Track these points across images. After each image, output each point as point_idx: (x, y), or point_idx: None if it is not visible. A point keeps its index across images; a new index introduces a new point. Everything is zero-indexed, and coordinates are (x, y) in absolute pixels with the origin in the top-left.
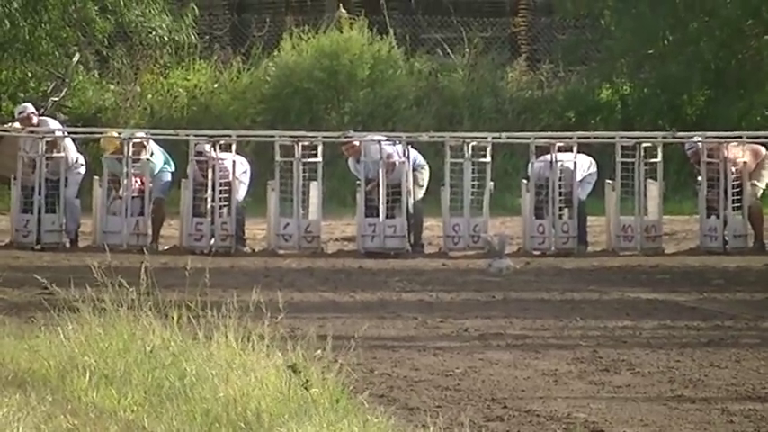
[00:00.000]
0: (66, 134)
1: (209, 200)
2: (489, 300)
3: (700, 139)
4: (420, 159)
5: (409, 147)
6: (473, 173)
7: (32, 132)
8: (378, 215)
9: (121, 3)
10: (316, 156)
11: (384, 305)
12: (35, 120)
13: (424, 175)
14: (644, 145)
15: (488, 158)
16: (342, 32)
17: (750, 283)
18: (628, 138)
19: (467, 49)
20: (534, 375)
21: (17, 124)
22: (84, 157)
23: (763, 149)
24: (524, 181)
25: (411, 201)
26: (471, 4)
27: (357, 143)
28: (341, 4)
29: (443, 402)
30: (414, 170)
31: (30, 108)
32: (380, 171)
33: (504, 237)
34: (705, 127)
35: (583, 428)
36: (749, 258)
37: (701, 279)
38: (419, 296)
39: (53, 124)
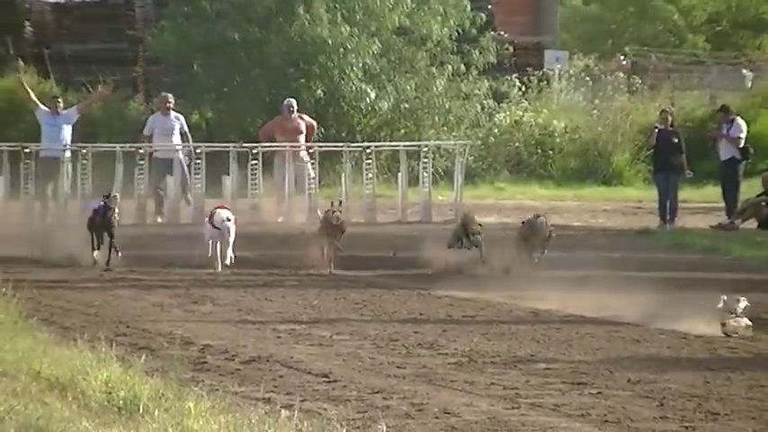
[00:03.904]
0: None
1: None
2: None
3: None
4: None
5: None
6: None
7: None
8: None
9: None
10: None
11: None
12: None
13: None
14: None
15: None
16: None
17: (296, 244)
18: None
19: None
20: (147, 306)
21: None
22: None
23: None
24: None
25: None
26: (105, 56)
27: None
28: (19, 58)
29: (88, 324)
30: None
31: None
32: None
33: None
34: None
35: (180, 341)
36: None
37: (261, 243)
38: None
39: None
